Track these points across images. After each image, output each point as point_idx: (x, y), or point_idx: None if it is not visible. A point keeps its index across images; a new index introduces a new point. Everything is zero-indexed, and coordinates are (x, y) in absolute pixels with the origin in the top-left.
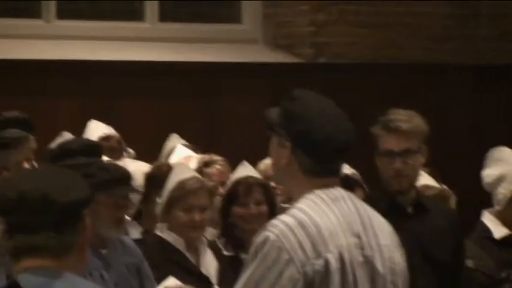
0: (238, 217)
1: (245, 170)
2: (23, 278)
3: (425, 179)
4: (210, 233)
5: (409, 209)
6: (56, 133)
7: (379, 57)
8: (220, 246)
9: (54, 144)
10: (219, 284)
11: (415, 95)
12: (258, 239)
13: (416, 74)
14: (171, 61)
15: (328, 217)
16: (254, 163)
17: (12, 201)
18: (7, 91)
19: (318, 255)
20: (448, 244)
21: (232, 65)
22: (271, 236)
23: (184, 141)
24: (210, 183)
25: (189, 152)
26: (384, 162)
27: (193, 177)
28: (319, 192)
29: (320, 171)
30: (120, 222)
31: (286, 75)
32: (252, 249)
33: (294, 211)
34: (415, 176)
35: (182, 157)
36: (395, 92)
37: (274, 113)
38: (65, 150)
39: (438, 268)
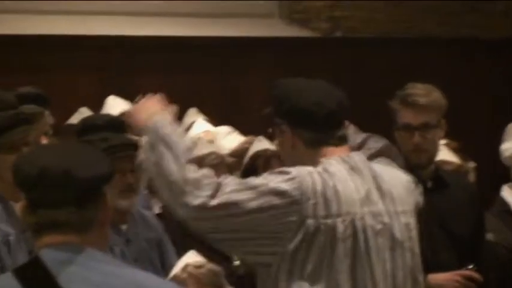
0: None
1: (261, 144)
2: (45, 253)
3: (443, 154)
4: None
5: (429, 184)
6: (73, 109)
7: (395, 31)
8: None
9: (72, 120)
10: (240, 259)
11: (432, 69)
12: (281, 167)
13: (432, 48)
14: (187, 36)
15: (348, 184)
16: (271, 138)
17: (33, 177)
18: (25, 67)
19: (328, 215)
20: (468, 218)
21: (248, 40)
22: (295, 171)
23: (203, 116)
24: (230, 159)
25: (208, 127)
26: (402, 136)
27: (213, 153)
28: (339, 159)
29: (323, 140)
30: (130, 190)
31: (302, 50)
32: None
33: (321, 169)
34: (434, 151)
35: (201, 131)
36: (411, 66)
37: (268, 108)
38: (90, 125)
39: (458, 242)
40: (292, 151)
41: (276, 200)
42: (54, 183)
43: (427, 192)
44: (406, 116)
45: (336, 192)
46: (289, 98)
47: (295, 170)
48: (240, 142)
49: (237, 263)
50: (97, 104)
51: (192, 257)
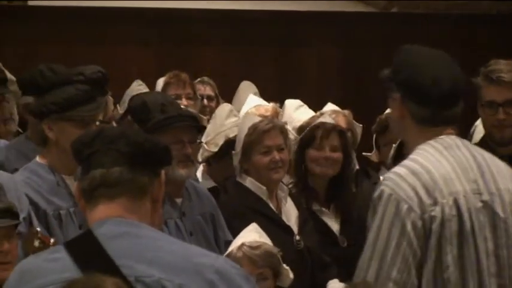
0: (312, 160)
1: (324, 119)
2: (96, 227)
3: None
4: (286, 181)
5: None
6: (130, 82)
7: (452, 7)
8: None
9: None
10: (299, 233)
11: (488, 46)
12: (375, 194)
13: (489, 25)
14: (244, 10)
15: (442, 164)
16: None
17: (91, 135)
18: (82, 39)
19: (435, 202)
20: None
21: (305, 14)
22: (386, 189)
23: (255, 89)
24: (282, 122)
25: (260, 101)
26: (486, 112)
27: (264, 120)
28: (431, 141)
29: (432, 118)
30: (188, 160)
31: (358, 25)
32: (371, 206)
33: (405, 162)
34: None
35: (252, 106)
36: (468, 42)
37: (387, 71)
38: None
39: None
40: (400, 120)
41: (400, 222)
42: (110, 139)
43: None
44: (490, 93)
45: (433, 179)
46: (408, 68)
47: (386, 190)
48: (310, 116)
49: (298, 237)
50: (153, 76)
51: (252, 233)
